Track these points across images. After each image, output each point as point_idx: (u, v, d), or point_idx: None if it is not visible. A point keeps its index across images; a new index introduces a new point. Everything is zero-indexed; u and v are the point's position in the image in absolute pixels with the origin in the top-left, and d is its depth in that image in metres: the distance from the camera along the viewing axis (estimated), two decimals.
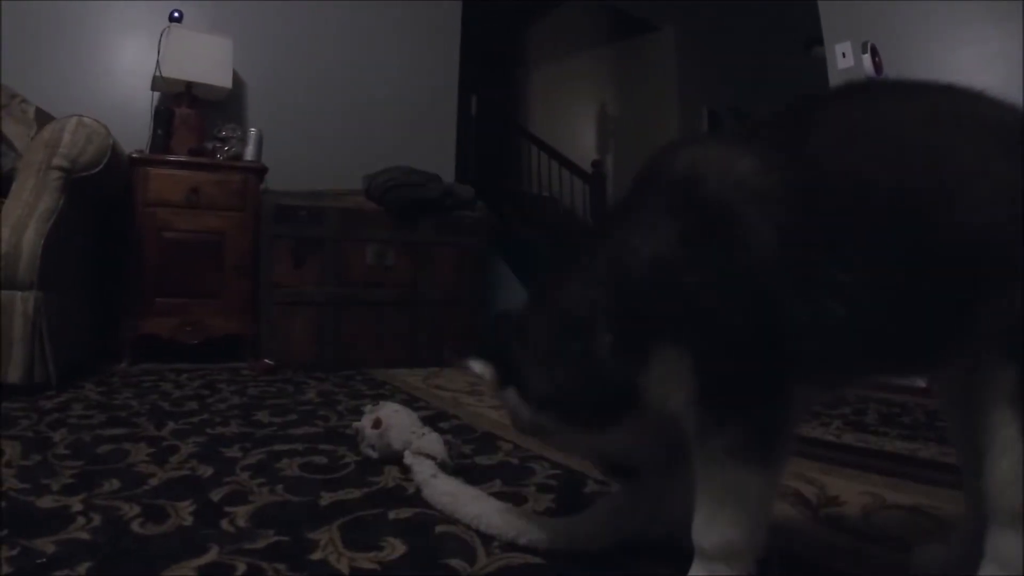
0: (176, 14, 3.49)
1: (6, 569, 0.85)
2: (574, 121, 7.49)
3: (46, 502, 1.11)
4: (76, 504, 1.10)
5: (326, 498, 1.19)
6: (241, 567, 0.89)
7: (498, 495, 1.20)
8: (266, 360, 2.94)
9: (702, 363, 0.71)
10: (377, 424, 1.44)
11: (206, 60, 3.48)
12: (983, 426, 0.68)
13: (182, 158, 3.24)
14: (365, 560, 0.92)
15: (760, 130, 0.81)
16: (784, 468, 0.76)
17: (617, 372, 0.77)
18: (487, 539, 0.99)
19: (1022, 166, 0.66)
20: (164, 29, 3.41)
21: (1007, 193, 0.66)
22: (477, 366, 0.89)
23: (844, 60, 3.47)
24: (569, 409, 0.83)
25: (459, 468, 1.38)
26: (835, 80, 3.53)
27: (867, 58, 3.04)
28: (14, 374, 2.11)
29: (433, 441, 1.34)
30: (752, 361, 0.70)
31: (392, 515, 1.10)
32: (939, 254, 0.67)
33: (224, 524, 1.05)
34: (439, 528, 1.04)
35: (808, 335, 0.69)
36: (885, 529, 1.07)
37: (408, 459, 1.31)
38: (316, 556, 0.93)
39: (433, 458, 1.29)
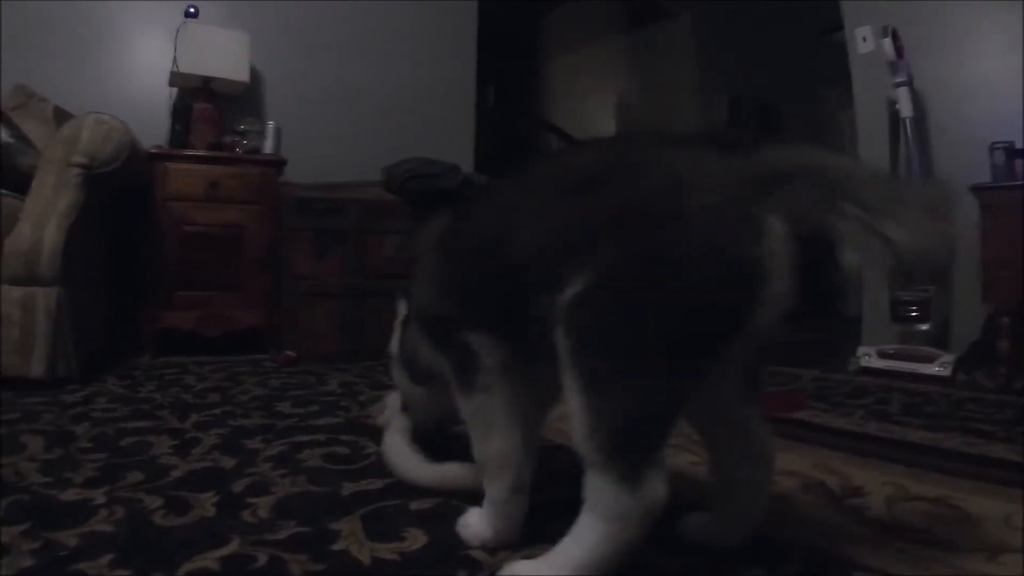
0: (192, 10, 3.49)
1: (29, 562, 0.86)
2: (592, 110, 7.44)
3: (69, 495, 1.12)
4: (99, 497, 1.10)
5: (347, 488, 1.18)
6: (263, 558, 0.89)
7: None
8: (288, 352, 2.95)
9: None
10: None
11: (223, 55, 3.48)
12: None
13: (201, 152, 3.25)
14: (386, 550, 0.92)
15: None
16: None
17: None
18: None
19: (575, 202, 0.84)
20: (180, 25, 3.42)
21: (548, 228, 0.85)
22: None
23: (864, 44, 3.42)
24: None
25: None
26: (856, 65, 3.48)
27: (888, 42, 2.99)
28: (37, 369, 2.13)
29: None
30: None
31: (414, 506, 1.10)
32: (511, 275, 0.89)
33: (246, 515, 1.05)
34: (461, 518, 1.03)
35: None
36: (908, 521, 1.05)
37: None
38: (337, 547, 0.93)
39: None
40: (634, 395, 0.76)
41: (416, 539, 0.96)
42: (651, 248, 0.76)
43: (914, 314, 2.91)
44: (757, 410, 0.92)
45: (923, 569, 0.88)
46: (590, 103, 7.47)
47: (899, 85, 3.02)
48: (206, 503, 1.09)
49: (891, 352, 2.86)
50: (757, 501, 0.94)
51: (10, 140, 2.45)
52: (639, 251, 0.76)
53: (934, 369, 2.68)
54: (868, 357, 2.91)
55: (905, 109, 3.00)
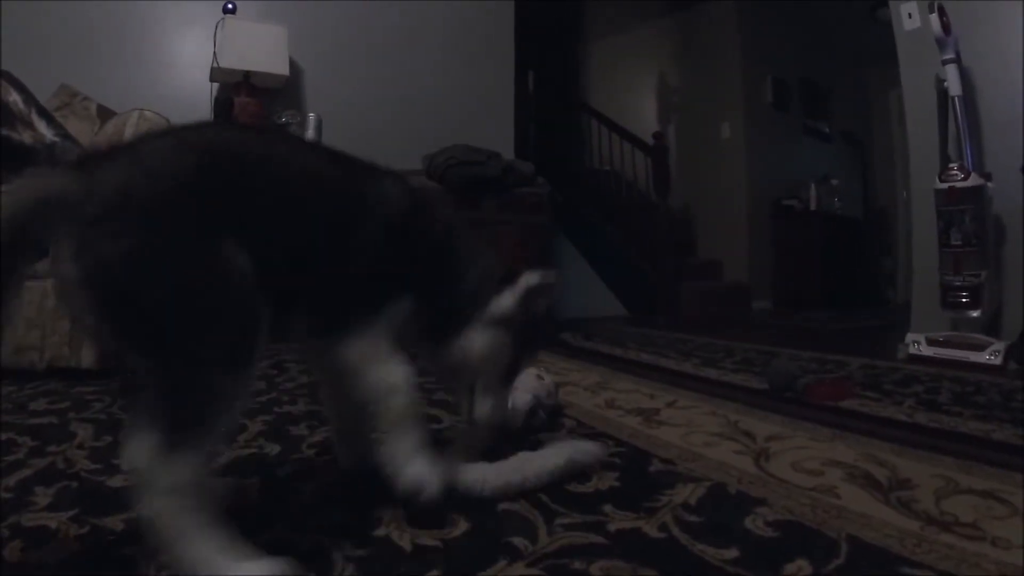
0: (230, 6, 3.55)
1: (76, 547, 0.88)
2: (634, 93, 7.37)
3: (117, 481, 1.14)
4: None
5: None
6: (305, 543, 0.90)
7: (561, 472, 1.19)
8: None
9: None
10: None
11: (262, 49, 3.52)
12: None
13: None
14: (428, 537, 0.92)
15: None
16: None
17: None
18: (549, 518, 0.98)
19: None
20: (219, 21, 3.47)
21: None
22: None
23: (910, 21, 3.33)
24: None
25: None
26: (902, 42, 3.38)
27: (935, 18, 2.90)
28: (87, 359, 2.18)
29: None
30: None
31: (456, 492, 1.10)
32: None
33: (289, 501, 1.06)
34: (502, 506, 1.03)
35: None
36: (957, 515, 1.02)
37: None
38: (379, 533, 0.94)
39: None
40: None
41: (458, 526, 0.96)
42: None
43: (965, 300, 2.83)
44: None
45: (972, 565, 0.85)
46: (632, 86, 7.40)
47: (947, 62, 2.93)
48: (251, 489, 1.10)
49: (940, 339, 2.79)
50: None
51: (56, 139, 2.50)
52: None
53: (984, 357, 2.61)
54: (917, 344, 2.84)
55: (954, 87, 2.91)
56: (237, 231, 0.83)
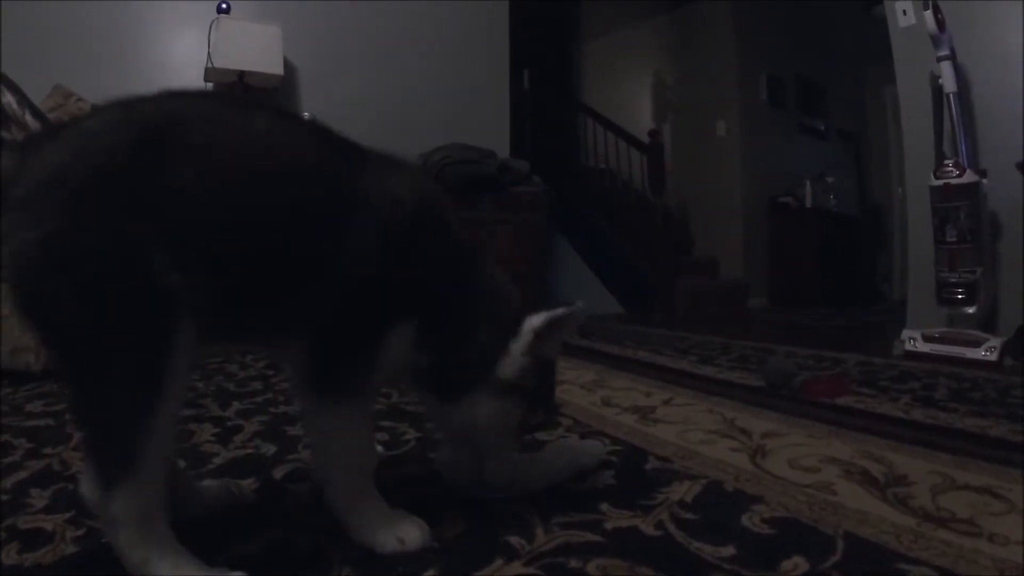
0: (224, 6, 3.54)
1: (72, 549, 0.87)
2: (630, 92, 7.38)
3: None
4: None
5: (387, 475, 1.18)
6: (303, 544, 0.90)
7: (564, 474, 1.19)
8: None
9: None
10: None
11: (256, 49, 3.51)
12: None
13: None
14: None
15: None
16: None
17: None
18: (546, 516, 0.98)
19: None
20: (213, 21, 3.47)
21: None
22: None
23: (905, 18, 3.33)
24: None
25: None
26: (896, 40, 3.39)
27: (929, 15, 2.91)
28: None
29: None
30: None
31: (452, 492, 1.10)
32: None
33: (287, 501, 1.06)
34: (499, 505, 1.03)
35: None
36: (954, 511, 1.02)
37: None
38: None
39: None
40: None
41: (455, 525, 0.96)
42: None
43: (960, 297, 2.84)
44: None
45: (969, 561, 0.85)
46: (627, 85, 7.41)
47: (942, 59, 2.93)
48: (247, 489, 1.10)
49: (936, 336, 2.80)
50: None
51: None
52: None
53: (980, 353, 2.61)
54: (913, 341, 2.85)
55: (948, 84, 2.92)
56: (177, 223, 0.75)
